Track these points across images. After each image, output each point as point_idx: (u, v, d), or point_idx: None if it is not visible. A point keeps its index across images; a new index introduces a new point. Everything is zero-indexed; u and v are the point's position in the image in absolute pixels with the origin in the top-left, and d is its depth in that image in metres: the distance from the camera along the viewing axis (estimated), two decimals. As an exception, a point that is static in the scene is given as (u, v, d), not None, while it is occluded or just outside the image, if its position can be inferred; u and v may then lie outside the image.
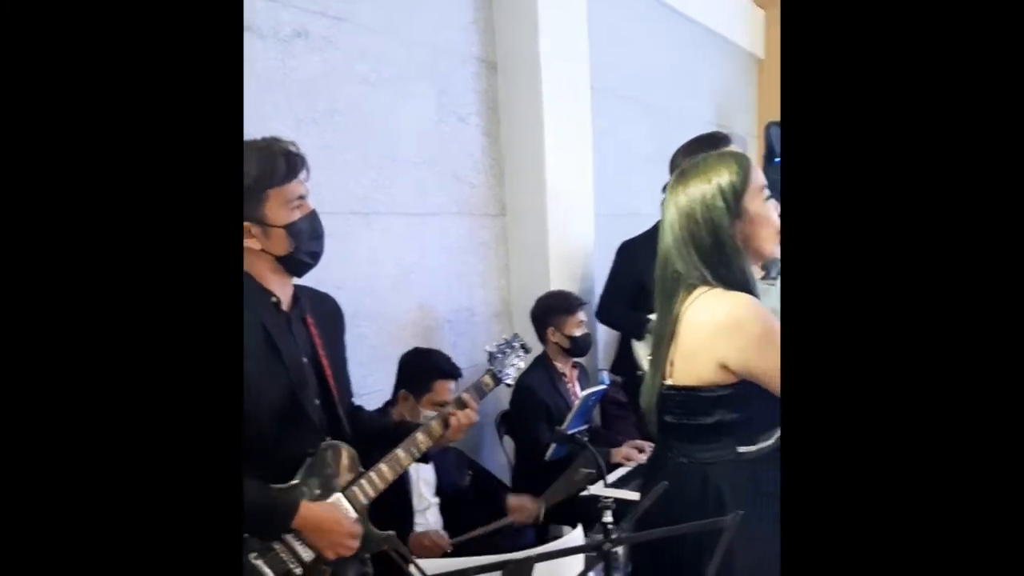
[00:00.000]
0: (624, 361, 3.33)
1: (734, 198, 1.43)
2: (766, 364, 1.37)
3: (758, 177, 1.47)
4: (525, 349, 1.92)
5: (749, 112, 5.67)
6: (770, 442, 1.48)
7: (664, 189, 1.60)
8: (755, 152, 5.51)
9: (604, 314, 3.33)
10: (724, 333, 1.40)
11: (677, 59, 4.50)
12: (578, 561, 1.36)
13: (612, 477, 2.69)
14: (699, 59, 4.80)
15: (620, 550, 1.34)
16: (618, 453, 2.89)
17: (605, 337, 3.68)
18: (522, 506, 2.39)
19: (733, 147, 1.95)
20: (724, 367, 1.41)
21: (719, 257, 1.43)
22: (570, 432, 2.48)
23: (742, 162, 1.47)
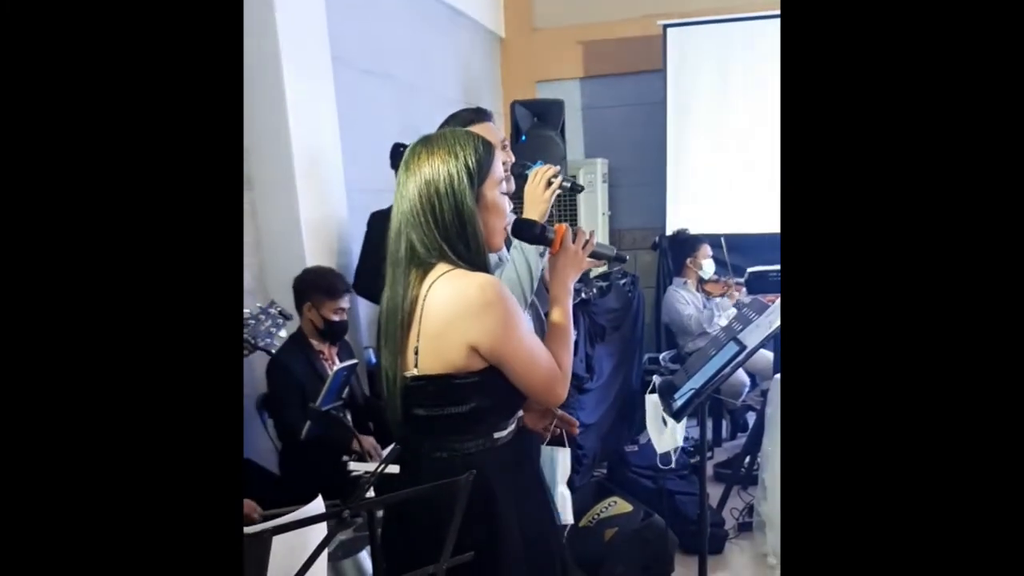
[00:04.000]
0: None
1: (479, 180, 1.40)
2: (514, 348, 1.38)
3: (499, 167, 1.46)
4: (284, 316, 1.86)
5: (494, 90, 5.84)
6: (513, 426, 1.52)
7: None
8: (503, 129, 5.71)
9: (359, 286, 3.30)
10: (474, 314, 1.35)
11: (421, 35, 4.54)
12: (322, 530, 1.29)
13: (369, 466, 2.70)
14: (442, 36, 4.88)
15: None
16: (366, 443, 2.86)
17: (369, 315, 3.65)
18: None
19: (489, 126, 1.99)
20: (475, 350, 1.37)
21: (460, 234, 1.38)
22: (324, 408, 2.44)
23: (489, 148, 1.43)
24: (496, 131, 2.03)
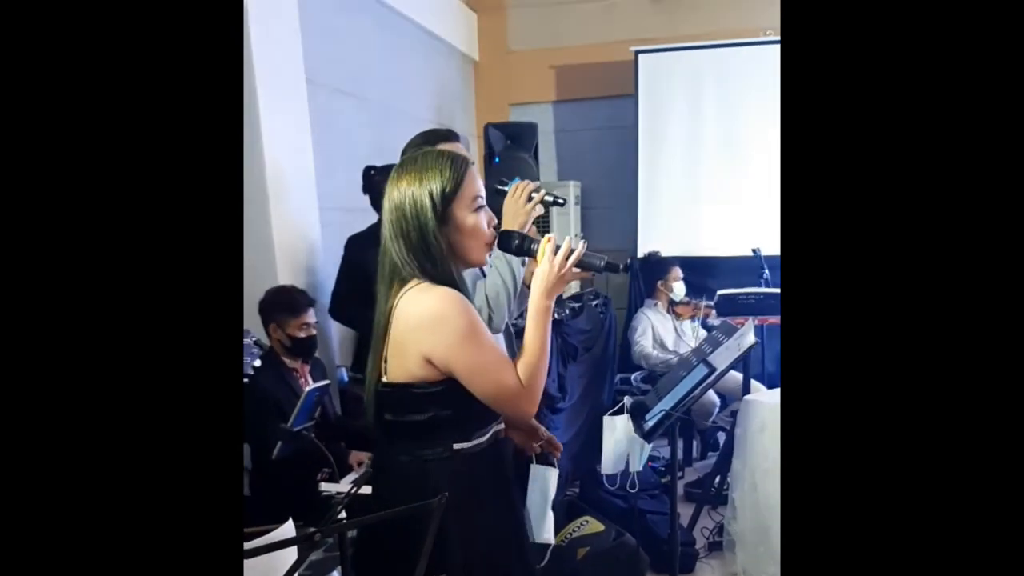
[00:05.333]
0: (364, 357, 3.31)
1: (443, 204, 1.45)
2: (466, 361, 1.42)
3: (472, 187, 1.49)
4: (260, 346, 1.84)
5: (468, 112, 5.89)
6: (485, 438, 1.53)
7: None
8: (476, 152, 5.75)
9: (336, 311, 3.29)
10: (427, 327, 1.41)
11: (395, 57, 4.57)
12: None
13: (347, 480, 2.69)
14: (417, 58, 4.91)
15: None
16: (355, 457, 2.87)
17: (341, 333, 3.65)
18: None
19: (458, 146, 2.01)
20: (429, 362, 1.43)
21: (425, 252, 1.45)
22: (295, 429, 2.43)
23: (457, 167, 1.48)
24: (463, 152, 2.05)
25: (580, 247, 1.51)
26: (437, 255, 1.45)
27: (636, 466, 2.41)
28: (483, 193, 1.53)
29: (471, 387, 1.44)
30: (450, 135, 2.06)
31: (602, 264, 1.55)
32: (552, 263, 1.50)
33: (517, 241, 1.60)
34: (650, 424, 2.37)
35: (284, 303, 2.83)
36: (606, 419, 2.47)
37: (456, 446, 1.49)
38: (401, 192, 1.46)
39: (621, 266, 1.57)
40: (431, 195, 1.45)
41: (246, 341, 1.84)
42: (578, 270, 1.52)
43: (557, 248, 1.51)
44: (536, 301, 1.50)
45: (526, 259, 1.77)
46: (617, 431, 2.46)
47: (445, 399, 1.45)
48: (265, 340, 2.08)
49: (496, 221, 1.57)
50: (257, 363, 1.90)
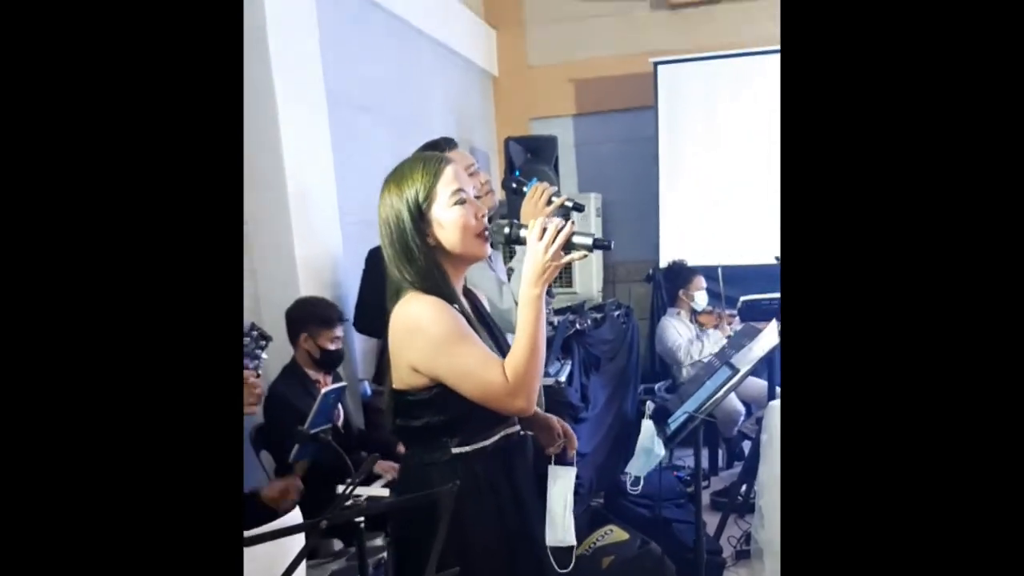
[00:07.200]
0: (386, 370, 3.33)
1: (418, 207, 1.47)
2: (446, 366, 1.44)
3: (449, 182, 1.49)
4: (264, 337, 1.88)
5: (488, 127, 5.93)
6: (491, 440, 1.54)
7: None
8: (496, 166, 5.79)
9: (360, 322, 3.32)
10: (407, 337, 1.46)
11: (415, 73, 4.62)
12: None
13: (377, 486, 2.71)
14: (437, 74, 4.96)
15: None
16: (381, 465, 2.87)
17: (364, 346, 3.67)
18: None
19: (459, 153, 2.04)
20: (415, 369, 1.46)
21: (410, 262, 1.48)
22: (312, 432, 2.45)
23: (431, 167, 1.49)
24: (464, 157, 2.07)
25: (568, 226, 1.42)
26: (419, 261, 1.48)
27: (640, 471, 2.38)
28: (465, 187, 1.51)
29: (459, 390, 1.45)
30: (442, 142, 2.09)
31: (591, 242, 1.44)
32: (537, 246, 1.42)
33: (507, 230, 1.52)
34: (673, 427, 2.36)
35: (319, 315, 2.86)
36: (644, 423, 2.43)
37: (455, 450, 1.51)
38: (385, 206, 1.50)
39: (608, 243, 1.46)
40: (407, 202, 1.48)
41: (253, 333, 1.87)
42: (569, 255, 1.44)
43: (544, 231, 1.42)
44: (525, 289, 1.43)
45: None
46: (644, 435, 2.44)
47: (437, 405, 1.48)
48: (270, 333, 2.08)
49: (485, 212, 1.54)
50: (264, 356, 1.93)
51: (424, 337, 1.43)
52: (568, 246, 1.43)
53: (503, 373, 1.42)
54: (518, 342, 1.43)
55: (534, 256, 1.42)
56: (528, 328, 1.42)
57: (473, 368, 1.44)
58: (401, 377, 1.49)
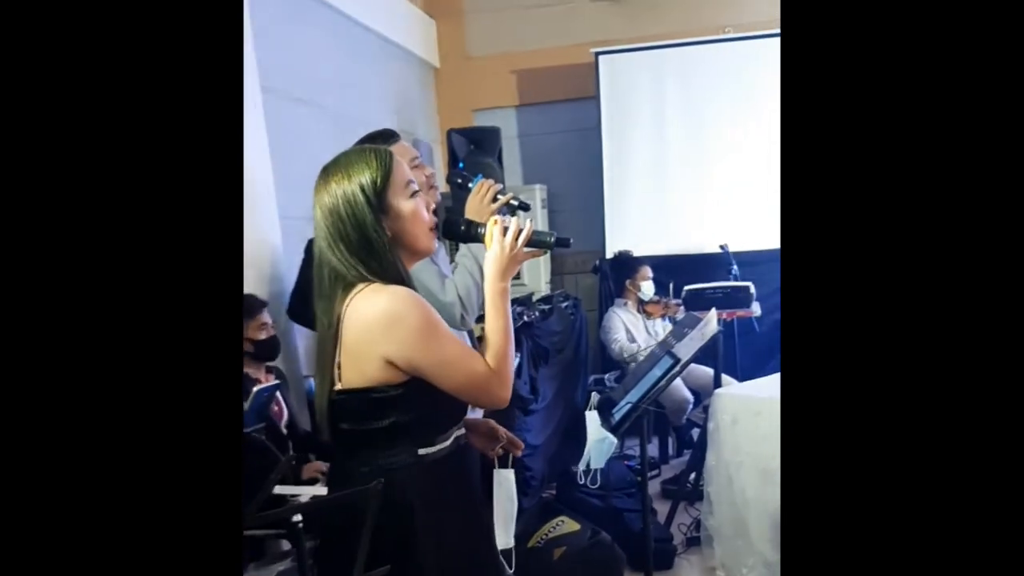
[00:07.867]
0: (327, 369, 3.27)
1: (375, 195, 1.42)
2: (430, 357, 1.39)
3: (401, 174, 1.47)
4: None
5: (430, 119, 5.86)
6: (448, 443, 1.50)
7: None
8: (440, 158, 5.74)
9: (293, 311, 3.26)
10: (384, 327, 1.38)
11: (353, 64, 4.54)
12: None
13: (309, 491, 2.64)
14: (376, 65, 4.89)
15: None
16: (308, 469, 2.79)
17: (307, 342, 3.59)
18: None
19: (402, 145, 2.00)
20: (390, 363, 1.39)
21: (369, 252, 1.42)
22: (245, 430, 2.39)
23: (383, 158, 1.45)
24: (407, 150, 2.05)
25: (528, 225, 1.50)
26: (380, 249, 1.42)
27: (597, 463, 2.39)
28: (414, 179, 1.50)
29: (439, 382, 1.41)
30: (385, 134, 2.06)
31: (552, 240, 1.53)
32: (503, 244, 1.48)
33: (463, 227, 1.58)
34: (617, 417, 2.35)
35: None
36: (588, 415, 2.44)
37: (421, 451, 1.45)
38: (332, 193, 1.43)
39: (568, 240, 1.55)
40: (363, 188, 1.41)
41: None
42: (530, 249, 1.50)
43: (505, 230, 1.49)
44: (492, 284, 1.48)
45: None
46: (591, 427, 2.45)
47: (407, 402, 1.41)
48: None
49: (435, 206, 1.56)
50: None
51: (405, 328, 1.37)
52: (529, 243, 1.50)
53: (485, 362, 1.44)
54: (494, 333, 1.46)
55: (499, 253, 1.49)
56: (502, 320, 1.47)
57: (457, 358, 1.42)
58: (366, 373, 1.40)
